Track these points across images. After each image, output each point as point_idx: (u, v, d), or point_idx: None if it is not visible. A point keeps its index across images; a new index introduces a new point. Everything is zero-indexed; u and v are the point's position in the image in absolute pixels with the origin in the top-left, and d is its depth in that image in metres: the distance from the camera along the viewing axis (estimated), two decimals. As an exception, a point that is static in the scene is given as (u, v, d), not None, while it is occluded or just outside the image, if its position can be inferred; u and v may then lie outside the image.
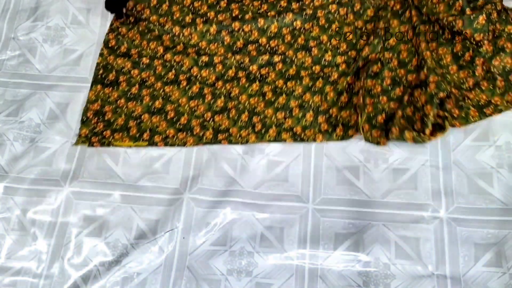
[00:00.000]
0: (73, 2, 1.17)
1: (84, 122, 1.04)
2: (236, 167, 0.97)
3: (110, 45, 1.11)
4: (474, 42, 0.94)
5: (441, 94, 0.90)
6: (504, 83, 0.93)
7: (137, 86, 1.07)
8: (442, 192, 0.89)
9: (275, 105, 1.02)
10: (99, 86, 1.07)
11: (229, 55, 1.08)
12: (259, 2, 1.11)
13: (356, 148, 0.96)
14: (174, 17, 1.12)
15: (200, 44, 1.09)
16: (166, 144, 1.00)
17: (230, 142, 0.99)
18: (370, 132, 0.95)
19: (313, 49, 1.06)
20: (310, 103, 1.01)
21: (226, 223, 0.92)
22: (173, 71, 1.08)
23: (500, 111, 0.93)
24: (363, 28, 1.06)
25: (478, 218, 0.87)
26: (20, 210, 0.96)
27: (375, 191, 0.91)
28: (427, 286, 0.83)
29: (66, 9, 1.17)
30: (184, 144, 1.00)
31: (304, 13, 1.08)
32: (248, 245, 0.90)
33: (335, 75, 1.03)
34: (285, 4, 1.10)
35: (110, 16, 1.15)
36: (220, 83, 1.05)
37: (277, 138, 0.99)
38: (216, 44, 1.09)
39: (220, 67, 1.07)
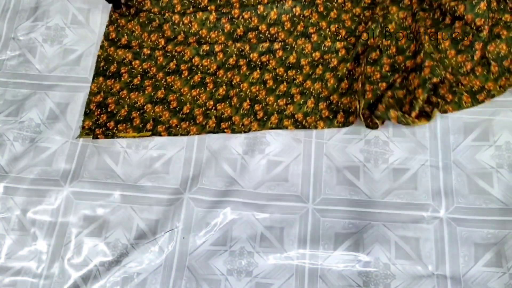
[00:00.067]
0: (73, 2, 1.17)
1: (87, 114, 1.04)
2: (236, 167, 0.97)
3: (110, 38, 1.12)
4: (474, 27, 0.95)
5: (435, 79, 0.91)
6: (498, 68, 0.95)
7: (139, 77, 1.07)
8: (442, 192, 0.89)
9: (276, 92, 1.03)
10: (101, 78, 1.08)
11: (230, 43, 1.09)
12: None
13: (356, 148, 0.96)
14: (175, 10, 1.13)
15: (200, 32, 1.10)
16: (169, 134, 1.01)
17: (233, 131, 1.00)
18: (371, 119, 0.95)
19: (312, 35, 1.07)
20: (311, 90, 1.02)
21: (226, 223, 0.92)
22: (174, 61, 1.08)
23: (493, 96, 0.94)
24: (361, 15, 1.07)
25: (478, 218, 0.87)
26: (20, 210, 0.96)
27: (375, 191, 0.91)
28: (427, 286, 0.83)
29: (66, 9, 1.17)
30: (187, 133, 1.00)
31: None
32: (248, 245, 0.90)
33: (334, 61, 1.04)
34: None
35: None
36: (221, 71, 1.06)
37: (279, 125, 0.99)
38: (216, 32, 1.10)
39: (221, 55, 1.08)
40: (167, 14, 1.11)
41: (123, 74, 1.08)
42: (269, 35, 1.09)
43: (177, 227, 0.92)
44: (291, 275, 0.87)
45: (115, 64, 1.09)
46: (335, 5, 1.09)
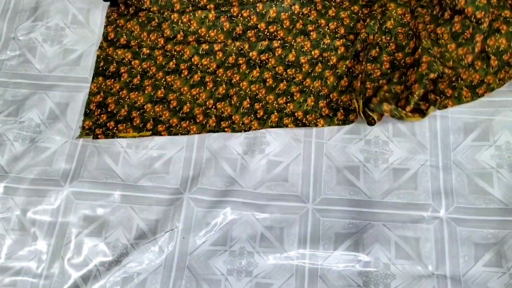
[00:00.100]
0: (73, 2, 1.17)
1: (87, 114, 1.04)
2: (236, 167, 0.97)
3: (109, 38, 1.12)
4: (474, 20, 0.95)
5: (432, 75, 0.91)
6: (497, 62, 0.95)
7: (138, 76, 1.08)
8: (442, 192, 0.89)
9: (276, 91, 1.03)
10: (100, 78, 1.08)
11: (229, 41, 1.09)
12: None
13: (356, 148, 0.96)
14: (174, 9, 1.13)
15: (199, 31, 1.10)
16: (169, 133, 1.01)
17: (233, 130, 1.00)
18: (372, 116, 0.95)
19: (311, 33, 1.07)
20: (310, 88, 1.02)
21: (226, 223, 0.92)
22: (174, 60, 1.09)
23: (492, 89, 0.95)
24: (360, 13, 1.07)
25: (478, 218, 0.87)
26: (20, 210, 0.96)
27: (375, 191, 0.91)
28: (427, 286, 0.83)
29: (66, 9, 1.17)
30: (187, 133, 1.01)
31: None
32: (248, 245, 0.90)
33: (334, 59, 1.04)
34: None
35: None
36: (221, 70, 1.06)
37: (279, 124, 0.99)
38: (215, 30, 1.10)
39: (221, 54, 1.08)
40: (166, 13, 1.11)
41: (123, 74, 1.08)
42: (268, 34, 1.09)
43: (177, 227, 0.92)
44: (291, 275, 0.87)
45: (115, 64, 1.09)
46: (333, 3, 1.09)
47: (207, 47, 1.09)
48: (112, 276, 0.90)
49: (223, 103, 1.03)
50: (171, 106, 1.04)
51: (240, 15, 1.10)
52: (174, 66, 1.08)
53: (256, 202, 0.93)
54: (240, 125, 1.00)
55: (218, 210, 0.92)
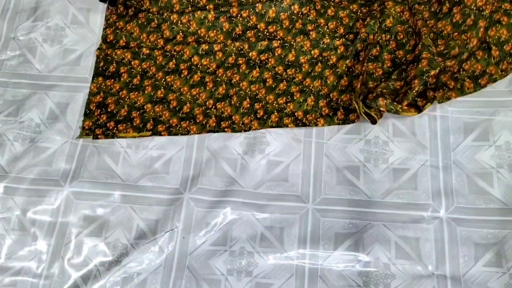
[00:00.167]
0: (73, 2, 1.17)
1: (87, 114, 1.04)
2: (236, 167, 0.97)
3: (108, 40, 1.12)
4: (475, 8, 0.96)
5: (432, 72, 0.91)
6: (498, 52, 0.95)
7: (138, 77, 1.08)
8: (442, 192, 0.89)
9: (276, 91, 1.03)
10: (100, 78, 1.08)
11: (229, 42, 1.09)
12: None
13: (356, 148, 0.96)
14: (174, 10, 1.13)
15: (199, 31, 1.10)
16: (169, 134, 1.01)
17: (233, 130, 1.00)
18: (372, 116, 0.95)
19: (311, 32, 1.07)
20: (310, 88, 1.02)
21: (226, 223, 0.92)
22: (174, 60, 1.09)
23: (495, 80, 0.95)
24: (359, 12, 1.07)
25: (478, 218, 0.86)
26: (20, 210, 0.96)
27: (375, 191, 0.91)
28: (427, 286, 0.83)
29: (66, 9, 1.17)
30: (187, 133, 1.01)
31: None
32: (248, 245, 0.90)
33: (333, 59, 1.04)
34: None
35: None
36: (220, 70, 1.06)
37: (279, 124, 0.99)
38: (215, 31, 1.10)
39: (220, 54, 1.08)
40: (165, 14, 1.12)
41: (123, 74, 1.08)
42: (267, 34, 1.09)
43: (177, 227, 0.92)
44: (291, 275, 0.87)
45: (114, 64, 1.09)
46: (332, 2, 1.09)
47: (207, 47, 1.09)
48: (112, 276, 0.90)
49: (223, 103, 1.03)
50: (171, 106, 1.04)
51: (239, 15, 1.10)
52: (174, 66, 1.08)
53: (256, 202, 0.93)
54: (240, 125, 1.00)
55: (218, 210, 0.92)
